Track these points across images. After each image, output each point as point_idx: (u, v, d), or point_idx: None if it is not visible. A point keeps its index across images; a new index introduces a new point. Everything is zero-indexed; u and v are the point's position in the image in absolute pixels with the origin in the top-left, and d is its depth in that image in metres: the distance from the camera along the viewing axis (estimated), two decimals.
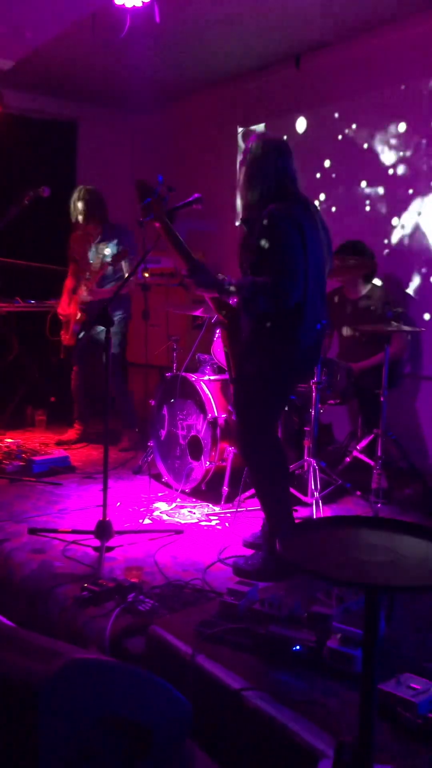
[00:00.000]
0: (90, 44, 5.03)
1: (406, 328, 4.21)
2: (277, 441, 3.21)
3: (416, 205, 4.89)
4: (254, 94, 6.10)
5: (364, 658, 1.55)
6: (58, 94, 6.71)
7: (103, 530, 3.25)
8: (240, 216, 3.14)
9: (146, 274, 5.18)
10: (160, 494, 4.19)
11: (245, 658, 2.24)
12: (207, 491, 4.06)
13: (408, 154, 4.92)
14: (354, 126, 5.30)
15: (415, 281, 4.92)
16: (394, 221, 5.04)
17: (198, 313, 4.33)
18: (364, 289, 4.62)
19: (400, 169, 4.99)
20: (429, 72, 4.75)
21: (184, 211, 3.27)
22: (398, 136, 4.98)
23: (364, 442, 4.29)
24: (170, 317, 5.48)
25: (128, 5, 4.07)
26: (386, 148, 5.07)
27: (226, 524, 3.74)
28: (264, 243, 2.88)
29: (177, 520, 3.79)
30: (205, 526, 3.72)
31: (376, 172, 5.15)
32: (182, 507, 3.98)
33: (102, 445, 3.40)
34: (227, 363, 3.35)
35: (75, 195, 5.02)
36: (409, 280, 4.95)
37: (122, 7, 4.10)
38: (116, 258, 4.88)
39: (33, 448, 5.00)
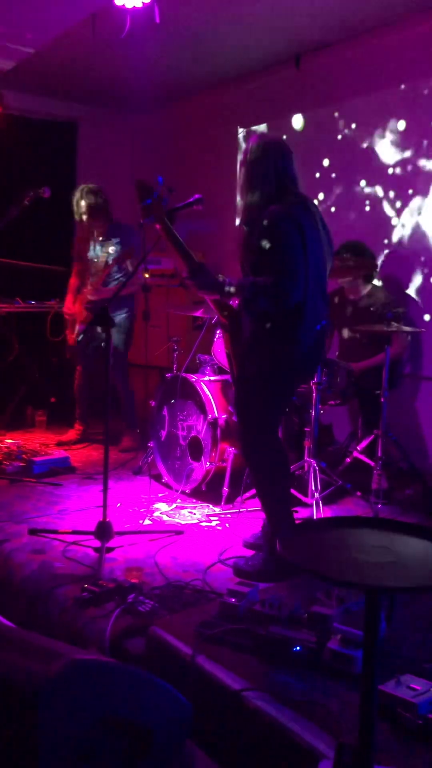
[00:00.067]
0: (90, 45, 5.03)
1: (407, 328, 4.21)
2: (278, 441, 3.21)
3: (416, 205, 4.89)
4: (254, 95, 6.10)
5: (364, 659, 1.55)
6: (59, 94, 6.71)
7: (104, 531, 3.25)
8: (240, 216, 3.14)
9: (146, 275, 5.17)
10: (160, 495, 4.19)
11: (245, 659, 2.24)
12: (207, 492, 4.06)
13: (408, 154, 4.92)
14: (354, 125, 5.31)
15: (416, 281, 4.92)
16: (394, 221, 5.04)
17: (198, 313, 4.33)
18: (365, 290, 4.62)
19: (400, 169, 4.99)
20: (429, 72, 4.76)
21: (185, 212, 3.27)
22: (398, 136, 4.98)
23: (364, 443, 4.29)
24: (171, 318, 5.48)
25: (128, 6, 4.07)
26: (386, 148, 5.07)
27: (227, 525, 3.74)
28: (264, 243, 2.88)
29: (177, 520, 3.79)
30: (206, 526, 3.72)
31: (376, 172, 5.15)
32: (182, 508, 3.98)
33: (102, 446, 3.40)
34: (229, 364, 3.35)
35: (78, 194, 5.01)
36: (409, 280, 4.95)
37: (122, 8, 4.10)
38: (121, 257, 4.88)
39: (33, 448, 5.00)
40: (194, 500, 4.09)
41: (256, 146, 3.05)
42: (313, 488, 3.78)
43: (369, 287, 4.63)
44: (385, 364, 3.96)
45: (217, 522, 3.78)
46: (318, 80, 5.53)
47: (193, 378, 4.13)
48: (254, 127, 6.18)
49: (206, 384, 4.09)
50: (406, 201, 4.95)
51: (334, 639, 2.21)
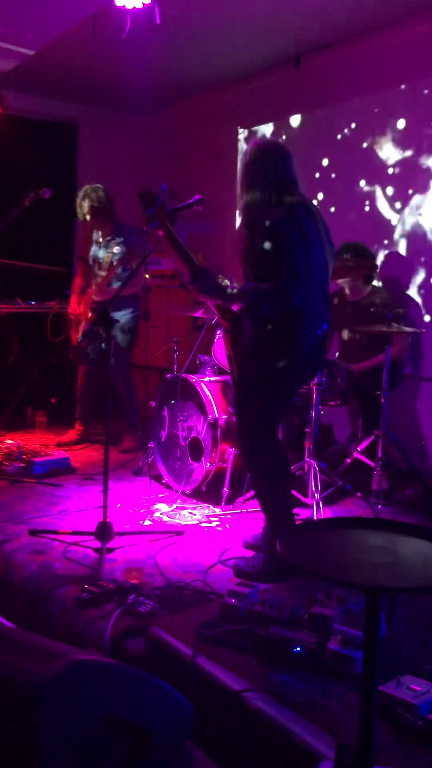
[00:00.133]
0: (91, 45, 5.03)
1: (407, 329, 4.21)
2: (277, 442, 3.21)
3: (416, 205, 4.89)
4: (255, 95, 6.10)
5: (364, 660, 1.55)
6: (59, 95, 6.72)
7: (104, 531, 3.25)
8: (241, 219, 3.14)
9: (146, 276, 5.18)
10: (160, 495, 4.19)
11: (246, 660, 2.24)
12: (207, 492, 4.06)
13: (408, 153, 4.93)
14: (353, 125, 5.31)
15: (416, 282, 4.92)
16: (394, 221, 5.04)
17: (198, 314, 4.33)
18: (365, 291, 4.62)
19: (400, 169, 4.99)
20: (429, 72, 4.76)
21: (185, 213, 3.27)
22: (398, 136, 4.98)
23: (364, 444, 4.29)
24: (171, 318, 5.48)
25: (128, 6, 4.07)
26: (386, 148, 5.07)
27: (227, 526, 3.74)
28: (266, 246, 2.88)
29: (177, 521, 3.79)
30: (206, 527, 3.71)
31: (376, 172, 5.15)
32: (183, 508, 3.98)
33: (102, 446, 3.40)
34: (229, 365, 3.36)
35: (81, 194, 5.01)
36: (409, 280, 4.95)
37: (123, 9, 4.10)
38: (126, 257, 4.88)
39: (33, 449, 5.00)
40: (194, 501, 4.09)
41: (255, 149, 3.05)
42: (314, 489, 3.78)
43: (369, 288, 4.63)
44: (386, 364, 3.96)
45: (218, 523, 3.78)
46: (318, 80, 5.53)
47: (194, 378, 4.13)
48: (254, 128, 6.18)
49: (206, 385, 4.09)
50: (406, 201, 4.95)
51: (335, 640, 2.21)
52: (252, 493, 3.71)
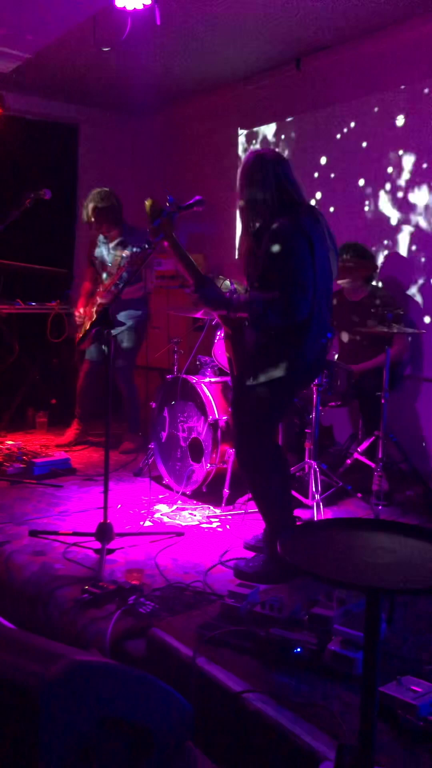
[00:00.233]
0: (91, 47, 5.04)
1: (407, 330, 4.21)
2: (275, 445, 3.21)
3: (416, 205, 4.89)
4: (255, 96, 6.11)
5: (364, 661, 1.55)
6: (60, 96, 6.72)
7: (104, 532, 3.25)
8: (243, 225, 3.12)
9: (155, 278, 5.19)
10: (160, 496, 4.19)
11: (246, 661, 2.24)
12: (208, 493, 4.06)
13: (408, 154, 4.93)
14: (353, 125, 5.31)
15: (416, 282, 4.92)
16: (394, 222, 5.04)
17: (199, 315, 4.33)
18: (365, 291, 4.62)
19: (400, 169, 4.99)
20: (428, 73, 4.76)
21: (185, 214, 3.27)
22: (398, 136, 4.98)
23: (365, 444, 4.29)
24: (171, 319, 5.48)
25: (129, 8, 4.07)
26: (386, 149, 5.07)
27: (227, 526, 3.74)
28: (273, 257, 2.87)
29: (178, 522, 3.79)
30: (206, 528, 3.71)
31: (376, 172, 5.15)
32: (183, 509, 3.98)
33: (103, 447, 3.40)
34: (229, 366, 3.35)
35: (89, 197, 5.03)
36: (409, 281, 4.96)
37: (123, 10, 4.10)
38: (133, 260, 4.88)
39: (34, 450, 5.00)
40: (195, 502, 4.09)
41: (253, 158, 3.04)
42: (314, 490, 3.79)
43: (369, 288, 4.63)
44: (386, 365, 3.96)
45: (218, 524, 3.78)
46: (318, 81, 5.53)
47: (194, 379, 4.13)
48: (255, 129, 6.19)
49: (207, 385, 4.09)
50: (405, 201, 4.96)
51: (335, 640, 2.21)
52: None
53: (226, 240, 6.36)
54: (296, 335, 2.95)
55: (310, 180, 5.48)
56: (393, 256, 5.07)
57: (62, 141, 7.00)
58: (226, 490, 3.97)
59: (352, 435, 4.82)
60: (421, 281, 4.90)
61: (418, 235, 4.90)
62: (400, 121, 4.97)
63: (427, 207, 4.82)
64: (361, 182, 5.27)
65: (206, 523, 3.79)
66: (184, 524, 3.75)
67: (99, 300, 5.02)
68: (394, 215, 5.05)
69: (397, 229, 5.04)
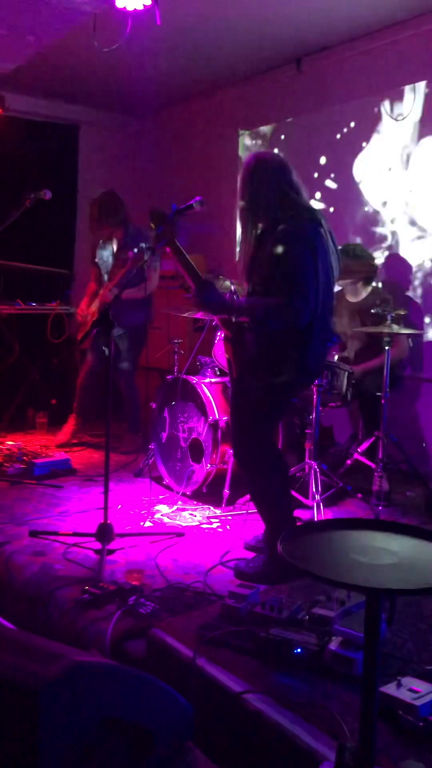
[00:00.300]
0: (91, 47, 5.04)
1: (407, 330, 4.21)
2: (274, 446, 3.21)
3: (416, 205, 4.89)
4: (255, 97, 6.11)
5: (364, 661, 1.55)
6: (60, 97, 6.73)
7: (104, 533, 3.25)
8: (243, 229, 3.12)
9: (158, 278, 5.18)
10: (161, 497, 4.19)
11: (246, 661, 2.24)
12: (208, 494, 4.06)
13: (408, 154, 4.93)
14: (353, 124, 5.31)
15: (416, 283, 4.93)
16: (394, 221, 5.04)
17: (199, 315, 4.33)
18: (365, 292, 4.62)
19: (400, 170, 4.99)
20: (428, 73, 4.77)
21: (186, 214, 3.27)
22: (398, 136, 4.99)
23: (365, 445, 4.29)
24: (171, 320, 5.48)
25: (129, 8, 4.07)
26: (386, 149, 5.07)
27: (228, 527, 3.74)
28: (275, 263, 2.86)
29: (178, 522, 3.79)
30: (206, 528, 3.71)
31: (376, 172, 5.16)
32: (183, 510, 3.98)
33: (102, 448, 3.40)
34: (229, 368, 3.35)
35: (93, 199, 5.04)
36: (409, 282, 4.96)
37: (123, 11, 4.11)
38: (135, 260, 4.88)
39: (34, 450, 5.00)
40: (195, 502, 4.09)
41: (254, 160, 3.03)
42: (314, 490, 3.78)
43: (369, 289, 4.63)
44: (386, 366, 3.96)
45: (218, 524, 3.78)
46: (319, 82, 5.54)
47: (194, 380, 4.13)
48: (255, 129, 6.19)
49: (207, 386, 4.09)
50: (405, 201, 4.96)
51: (335, 641, 2.21)
52: None
53: (226, 241, 6.37)
54: (299, 340, 2.94)
55: (310, 180, 5.48)
56: (393, 256, 5.07)
57: (62, 141, 7.01)
58: (226, 491, 3.97)
59: (352, 435, 4.82)
60: (421, 282, 4.89)
61: (418, 236, 4.90)
62: (400, 121, 4.96)
63: (427, 207, 4.82)
64: (361, 182, 5.27)
65: (206, 523, 3.79)
66: (184, 525, 3.75)
67: (101, 300, 5.02)
68: (394, 215, 5.05)
69: (397, 229, 5.04)
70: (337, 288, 4.72)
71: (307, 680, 2.13)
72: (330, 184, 5.51)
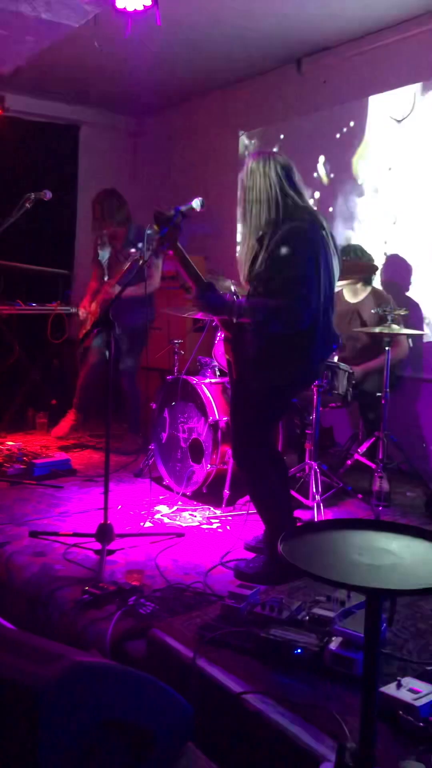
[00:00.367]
0: (91, 48, 5.04)
1: (407, 331, 4.21)
2: (273, 447, 3.21)
3: (416, 205, 4.89)
4: (256, 97, 6.12)
5: (365, 662, 1.55)
6: (60, 97, 6.73)
7: (104, 533, 3.25)
8: (244, 230, 3.11)
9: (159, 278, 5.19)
10: (161, 497, 4.19)
11: (246, 662, 2.24)
12: (208, 494, 4.06)
13: (408, 154, 4.93)
14: (352, 124, 5.31)
15: (416, 283, 4.92)
16: (394, 222, 5.04)
17: (199, 316, 4.33)
18: (364, 293, 4.62)
19: (401, 170, 4.99)
20: (428, 73, 4.77)
21: (187, 215, 3.27)
22: (398, 137, 4.99)
23: (365, 445, 4.29)
24: (172, 320, 5.48)
25: (129, 9, 4.08)
26: (386, 148, 5.07)
27: (228, 527, 3.73)
28: (277, 265, 2.86)
29: (178, 523, 3.79)
30: (207, 529, 3.71)
31: (376, 172, 5.16)
32: (183, 510, 3.98)
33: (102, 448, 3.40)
34: (228, 368, 3.35)
35: (94, 198, 5.04)
36: (409, 282, 4.96)
37: (123, 11, 4.11)
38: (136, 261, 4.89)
39: (34, 450, 5.00)
40: (195, 503, 4.09)
41: (255, 161, 3.02)
42: (314, 490, 3.78)
43: (369, 290, 4.63)
44: (386, 366, 3.96)
45: (218, 524, 3.78)
46: (319, 82, 5.54)
47: (194, 380, 4.13)
48: (255, 130, 6.19)
49: (207, 386, 4.09)
50: (405, 201, 4.96)
51: (335, 641, 2.21)
52: None
53: (226, 241, 6.36)
54: (301, 343, 2.94)
55: (309, 180, 5.48)
56: (393, 257, 5.07)
57: (62, 141, 7.01)
58: (226, 491, 3.97)
59: (352, 436, 4.82)
60: (421, 282, 4.89)
61: (418, 236, 4.90)
62: (401, 122, 4.96)
63: (427, 207, 4.82)
64: (361, 183, 5.27)
65: (206, 524, 3.79)
66: (184, 525, 3.75)
67: (102, 297, 5.03)
68: (394, 216, 5.05)
69: (397, 229, 5.04)
70: (336, 288, 4.74)
71: (307, 681, 2.13)
72: (330, 183, 5.51)
